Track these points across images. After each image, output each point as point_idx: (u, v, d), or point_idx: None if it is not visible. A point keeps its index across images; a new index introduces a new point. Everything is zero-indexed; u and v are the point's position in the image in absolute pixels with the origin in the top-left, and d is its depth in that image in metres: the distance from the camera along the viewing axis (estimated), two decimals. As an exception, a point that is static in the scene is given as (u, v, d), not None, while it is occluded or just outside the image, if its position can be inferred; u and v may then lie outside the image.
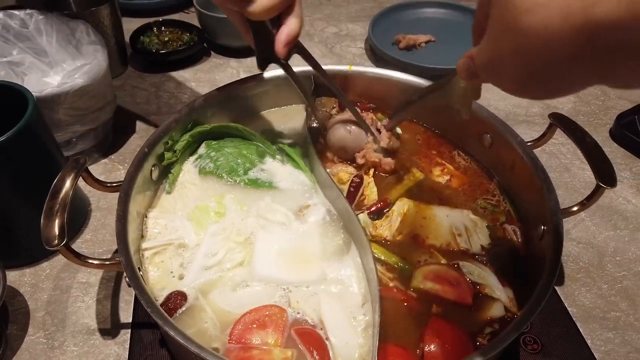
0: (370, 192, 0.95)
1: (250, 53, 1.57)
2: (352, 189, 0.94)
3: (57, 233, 0.70)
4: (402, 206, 0.90)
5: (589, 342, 0.86)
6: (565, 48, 0.40)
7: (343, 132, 1.00)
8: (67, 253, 0.72)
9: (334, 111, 1.07)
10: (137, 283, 0.69)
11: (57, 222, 0.71)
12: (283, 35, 0.81)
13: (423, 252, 0.85)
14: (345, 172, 0.99)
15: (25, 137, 0.83)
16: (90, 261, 0.75)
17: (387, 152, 1.00)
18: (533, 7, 0.41)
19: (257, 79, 1.06)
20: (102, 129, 1.17)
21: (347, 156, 1.02)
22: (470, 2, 1.80)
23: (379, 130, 1.01)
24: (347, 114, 1.00)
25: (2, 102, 0.88)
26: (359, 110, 1.01)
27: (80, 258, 0.74)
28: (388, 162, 0.99)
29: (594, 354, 0.84)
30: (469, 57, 0.56)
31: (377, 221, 0.89)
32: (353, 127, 0.99)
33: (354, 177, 0.97)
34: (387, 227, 0.88)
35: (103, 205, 1.09)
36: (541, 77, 0.45)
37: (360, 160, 0.99)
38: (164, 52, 1.48)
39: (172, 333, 0.63)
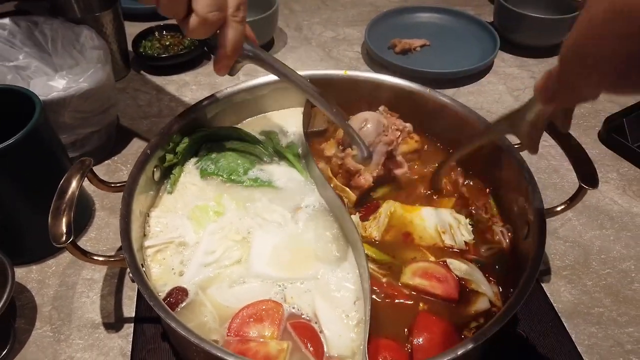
0: (347, 193, 0.95)
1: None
2: None
3: (64, 231, 0.74)
4: (388, 207, 0.94)
5: (573, 336, 0.89)
6: None
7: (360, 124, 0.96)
8: (74, 250, 0.75)
9: None
10: (140, 279, 0.73)
11: (64, 221, 0.74)
12: (218, 56, 0.80)
13: (412, 251, 0.89)
14: None
15: (33, 140, 0.87)
16: (95, 258, 0.78)
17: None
18: None
19: (255, 83, 1.09)
20: (105, 131, 1.21)
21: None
22: (465, 7, 1.84)
23: (392, 155, 0.97)
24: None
25: (9, 106, 0.92)
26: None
27: (86, 255, 0.77)
28: (366, 178, 0.93)
29: (578, 347, 0.87)
30: (548, 74, 0.53)
31: (365, 222, 0.93)
32: (369, 125, 0.95)
33: None
34: (376, 228, 0.91)
35: (107, 204, 1.12)
36: None
37: (335, 159, 0.97)
38: (165, 56, 1.52)
39: (173, 325, 0.67)
